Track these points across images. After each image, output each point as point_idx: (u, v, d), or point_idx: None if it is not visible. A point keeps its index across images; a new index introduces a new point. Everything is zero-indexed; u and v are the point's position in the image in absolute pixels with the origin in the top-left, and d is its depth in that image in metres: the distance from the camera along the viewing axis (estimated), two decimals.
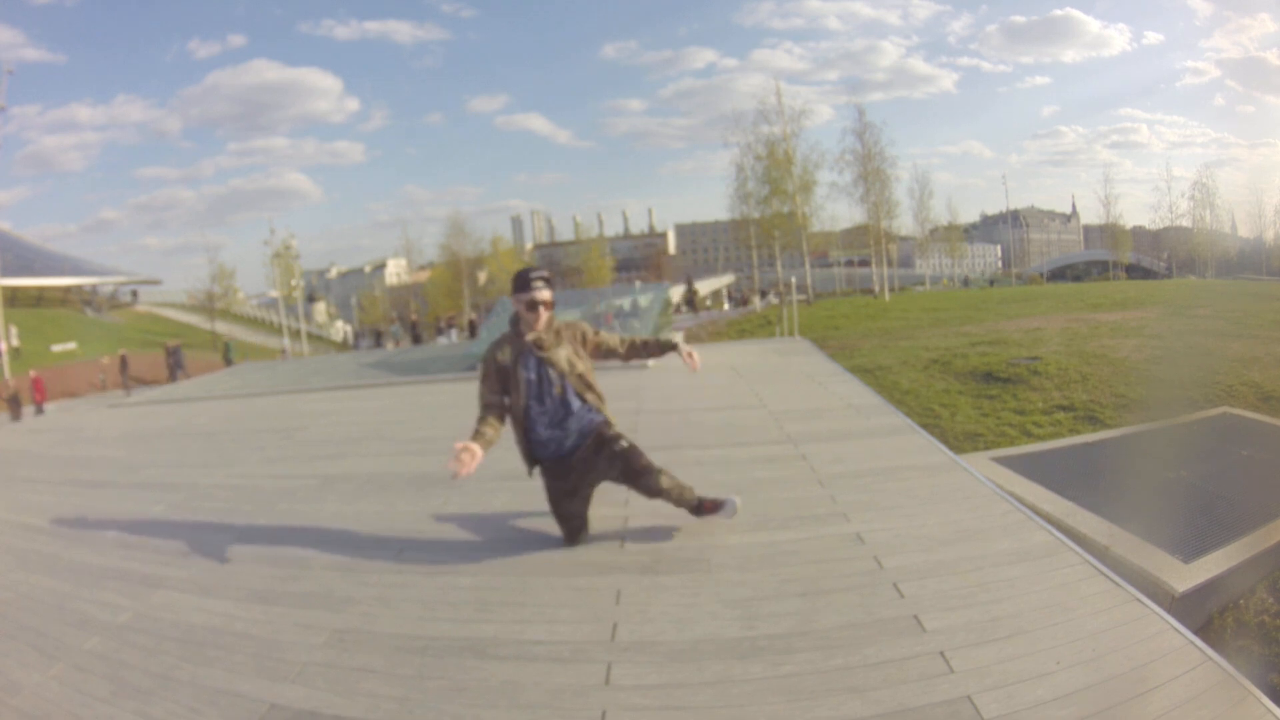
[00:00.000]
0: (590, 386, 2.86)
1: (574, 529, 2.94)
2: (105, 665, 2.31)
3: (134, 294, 40.52)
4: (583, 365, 2.84)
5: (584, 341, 2.90)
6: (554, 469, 2.86)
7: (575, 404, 2.80)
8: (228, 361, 17.33)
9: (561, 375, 2.78)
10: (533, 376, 2.77)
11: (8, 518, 4.33)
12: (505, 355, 2.79)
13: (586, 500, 2.93)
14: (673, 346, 2.99)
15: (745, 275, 43.61)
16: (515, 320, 2.83)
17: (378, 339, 30.19)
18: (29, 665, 2.35)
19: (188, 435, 7.37)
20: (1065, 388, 7.19)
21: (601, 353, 2.95)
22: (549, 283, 2.79)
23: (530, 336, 2.78)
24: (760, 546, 2.83)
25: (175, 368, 17.14)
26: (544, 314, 2.77)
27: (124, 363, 16.43)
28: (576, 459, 2.82)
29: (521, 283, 2.76)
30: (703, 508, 2.94)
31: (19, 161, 65.84)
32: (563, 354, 2.80)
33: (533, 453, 2.85)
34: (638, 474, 2.77)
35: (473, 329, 24.81)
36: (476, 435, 2.71)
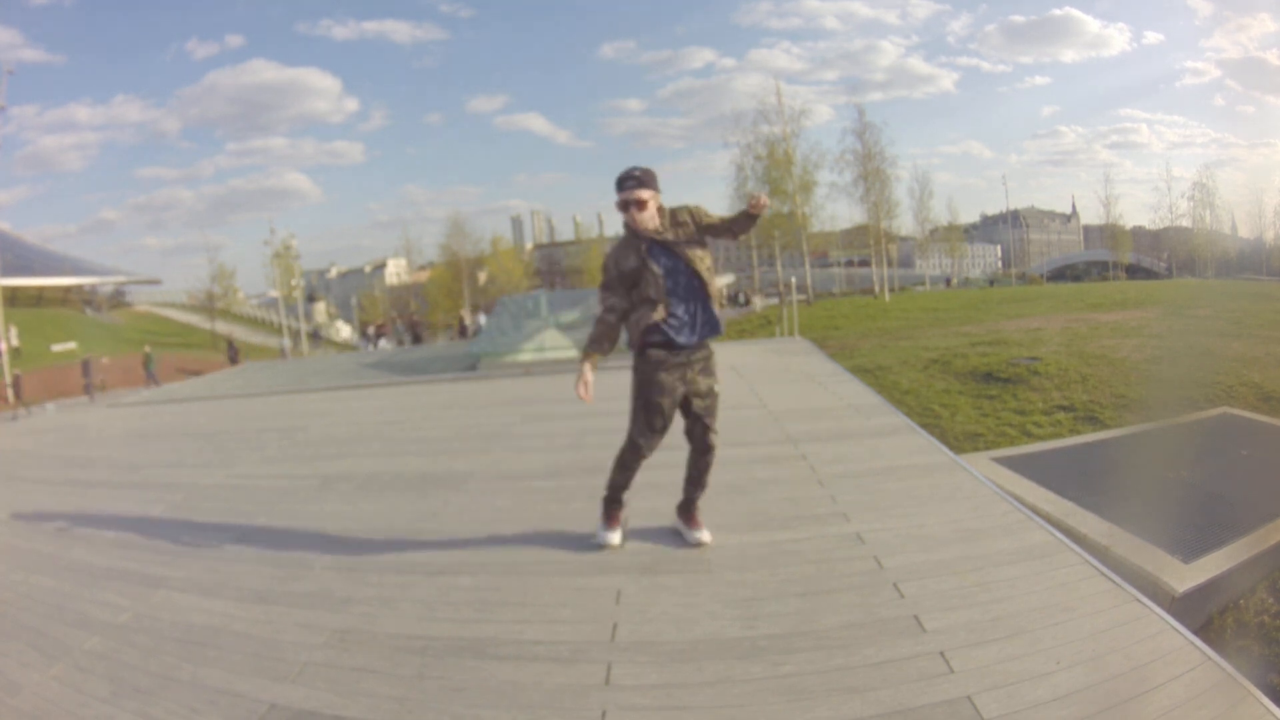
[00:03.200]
0: (710, 274, 2.80)
1: (653, 441, 2.85)
2: (105, 665, 2.31)
3: (122, 293, 40.24)
4: (707, 259, 2.78)
5: (695, 228, 2.79)
6: (671, 360, 2.74)
7: (697, 288, 2.76)
8: (148, 374, 15.80)
9: (689, 264, 2.74)
10: (660, 269, 2.72)
11: (8, 518, 4.33)
12: (630, 260, 2.74)
13: (672, 412, 2.84)
14: (749, 216, 2.79)
15: (745, 275, 43.57)
16: (628, 226, 2.77)
17: (378, 339, 30.17)
18: (29, 665, 2.35)
19: (188, 435, 7.37)
20: (1065, 388, 7.19)
21: (711, 232, 2.85)
22: (641, 181, 2.69)
23: (650, 231, 2.73)
24: (760, 546, 2.83)
25: (233, 360, 17.65)
26: (636, 213, 2.68)
27: (17, 383, 15.14)
28: (694, 359, 2.78)
29: (617, 185, 2.72)
30: (690, 510, 3.01)
31: (18, 161, 65.57)
32: (684, 246, 2.74)
33: (666, 336, 2.73)
34: (710, 426, 2.86)
35: (416, 336, 24.58)
36: (588, 357, 2.78)
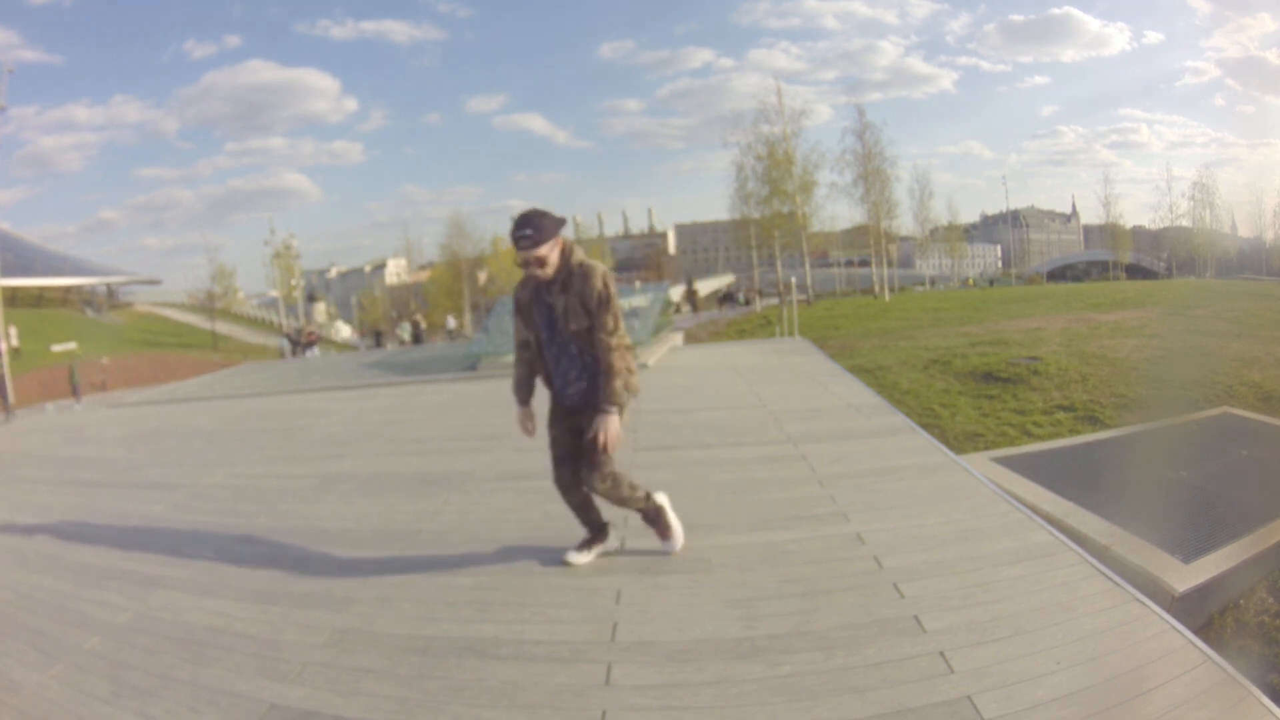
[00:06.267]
0: (588, 347, 2.57)
1: (558, 470, 2.70)
2: (105, 665, 2.31)
3: (117, 293, 40.08)
4: (576, 325, 2.54)
5: (593, 303, 2.52)
6: (556, 409, 2.72)
7: (572, 354, 2.59)
8: (73, 387, 14.90)
9: (561, 323, 2.56)
10: (541, 320, 2.63)
11: (8, 518, 4.33)
12: (525, 293, 2.66)
13: (573, 452, 2.66)
14: (602, 410, 2.52)
15: (745, 275, 43.58)
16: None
17: (378, 339, 30.18)
18: (29, 665, 2.35)
19: (188, 435, 7.36)
20: (1065, 388, 7.19)
21: (590, 317, 2.54)
22: (536, 239, 2.45)
23: (543, 277, 2.55)
24: (760, 546, 2.83)
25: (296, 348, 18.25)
26: (538, 270, 2.50)
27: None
28: (575, 413, 2.63)
29: (511, 236, 2.51)
30: (654, 520, 2.80)
31: (18, 162, 65.78)
32: (561, 303, 2.54)
33: (549, 389, 2.71)
34: (589, 465, 2.59)
35: (417, 335, 24.47)
36: (520, 402, 2.74)
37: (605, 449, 2.52)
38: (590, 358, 2.58)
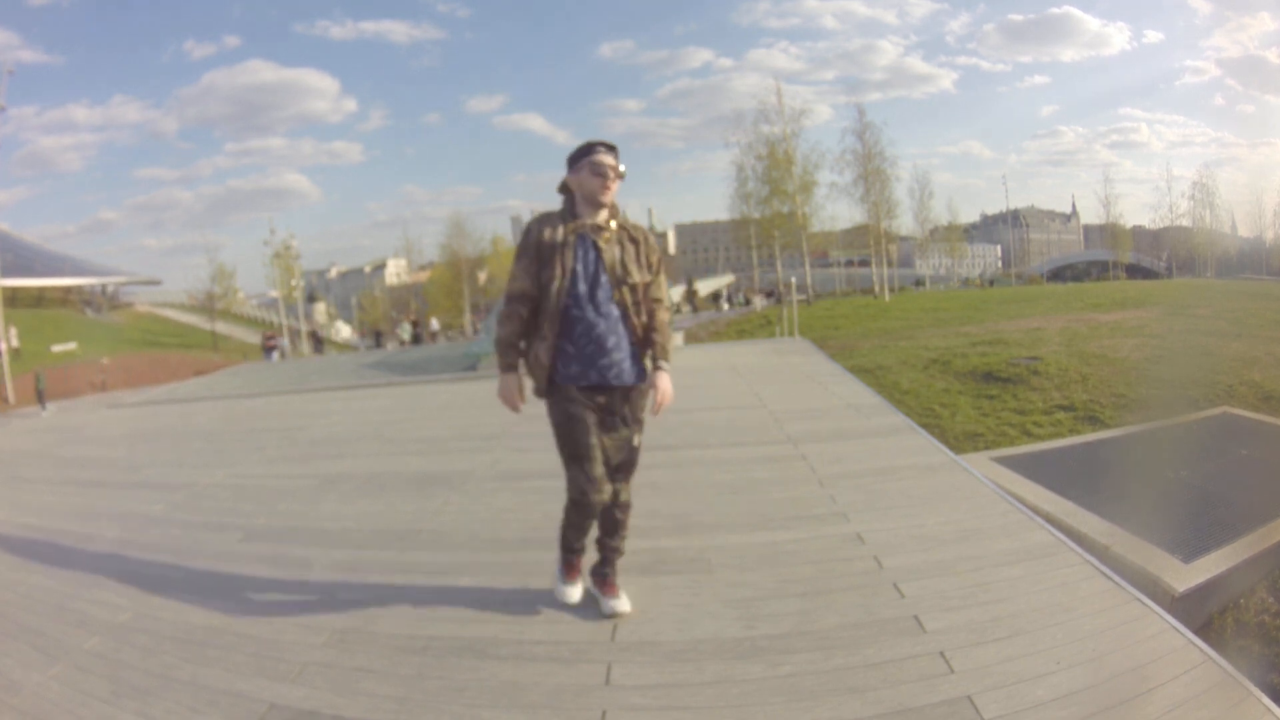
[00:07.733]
0: (640, 309, 2.27)
1: (603, 484, 2.23)
2: (105, 665, 2.31)
3: (116, 294, 40.02)
4: (639, 278, 2.24)
5: (648, 261, 2.28)
6: (575, 393, 2.22)
7: (619, 324, 2.22)
8: (39, 394, 14.53)
9: (612, 281, 2.20)
10: (581, 268, 2.18)
11: (8, 518, 4.32)
12: (555, 233, 2.19)
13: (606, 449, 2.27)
14: (659, 367, 2.31)
15: (745, 275, 43.56)
16: (571, 201, 2.25)
17: (378, 339, 30.20)
18: (29, 665, 2.35)
19: (188, 435, 7.36)
20: (1065, 388, 7.19)
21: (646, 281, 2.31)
22: (617, 157, 2.22)
23: (592, 220, 2.20)
24: (760, 546, 2.83)
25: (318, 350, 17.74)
26: (615, 182, 2.19)
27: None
28: (608, 403, 2.25)
29: (584, 149, 2.20)
30: (603, 573, 2.43)
31: (17, 162, 66.23)
32: (618, 254, 2.21)
33: (556, 366, 2.21)
34: (630, 461, 2.34)
35: (416, 335, 24.45)
36: (507, 367, 2.24)
37: (658, 409, 2.28)
38: (629, 325, 2.24)
